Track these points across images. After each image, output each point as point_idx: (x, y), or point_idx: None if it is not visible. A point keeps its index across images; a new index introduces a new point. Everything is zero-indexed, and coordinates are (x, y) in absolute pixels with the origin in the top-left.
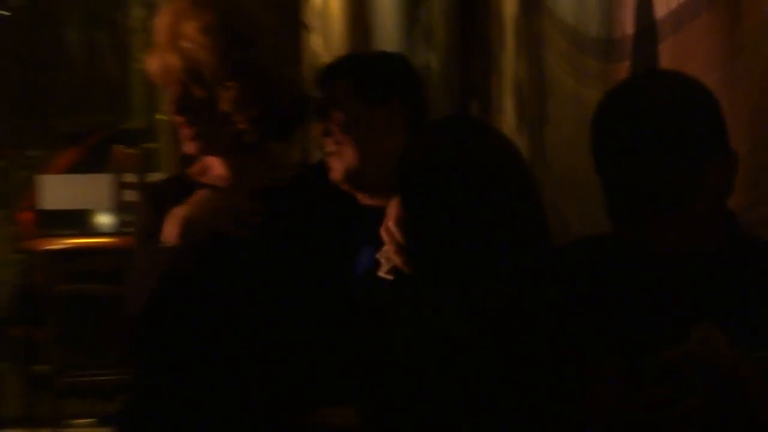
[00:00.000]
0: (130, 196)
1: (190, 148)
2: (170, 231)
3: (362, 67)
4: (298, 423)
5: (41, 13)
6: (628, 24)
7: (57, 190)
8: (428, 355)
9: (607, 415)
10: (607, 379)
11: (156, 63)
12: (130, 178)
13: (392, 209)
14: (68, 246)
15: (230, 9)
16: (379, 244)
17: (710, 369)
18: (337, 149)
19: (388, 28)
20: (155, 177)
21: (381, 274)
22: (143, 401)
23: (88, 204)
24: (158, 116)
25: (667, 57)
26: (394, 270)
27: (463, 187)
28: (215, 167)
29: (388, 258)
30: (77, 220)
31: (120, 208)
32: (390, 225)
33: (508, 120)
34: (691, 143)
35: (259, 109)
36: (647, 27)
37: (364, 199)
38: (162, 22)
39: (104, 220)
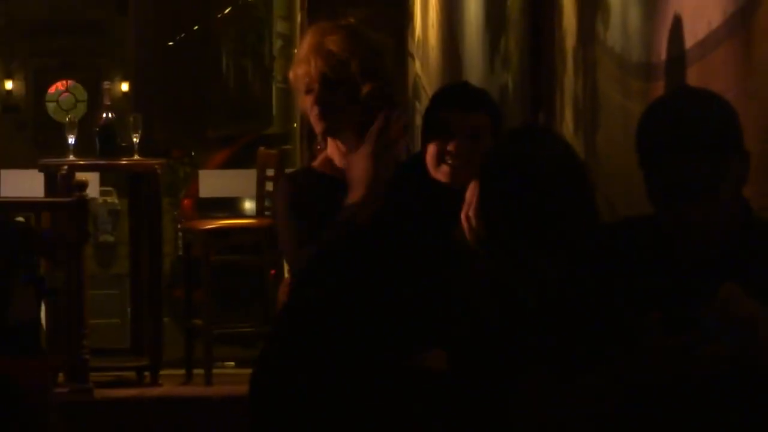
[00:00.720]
0: (270, 186)
1: (320, 128)
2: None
3: (494, 104)
4: (399, 364)
5: (201, 44)
6: (663, 52)
7: (213, 182)
8: (499, 313)
9: (650, 358)
10: (650, 329)
11: (302, 69)
12: (270, 173)
13: (470, 196)
14: (221, 226)
15: (361, 29)
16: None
17: (733, 318)
18: (462, 164)
19: (474, 55)
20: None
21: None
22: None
23: (236, 193)
24: (294, 125)
25: (694, 78)
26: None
27: (532, 183)
28: (335, 159)
29: (463, 237)
30: (228, 206)
31: (262, 196)
32: (470, 213)
33: (568, 128)
34: (717, 145)
35: (372, 102)
36: (679, 54)
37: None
38: (308, 38)
39: (249, 205)
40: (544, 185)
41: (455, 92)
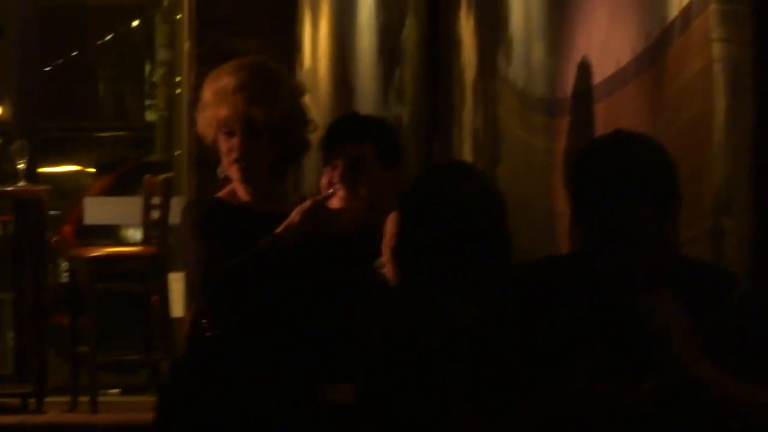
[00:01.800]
0: (156, 215)
1: (237, 175)
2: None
3: (383, 133)
4: (303, 397)
5: (79, 70)
6: (568, 87)
7: (97, 209)
8: (408, 348)
9: (574, 404)
10: (574, 375)
11: (223, 111)
12: (156, 200)
13: (390, 228)
14: (105, 253)
15: (280, 72)
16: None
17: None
18: (346, 192)
19: (366, 87)
20: (176, 200)
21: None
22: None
23: (121, 220)
24: (176, 152)
25: (601, 115)
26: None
27: (450, 218)
28: (239, 192)
29: (380, 267)
30: (108, 233)
31: (147, 224)
32: (389, 245)
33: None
34: (655, 192)
35: (290, 147)
36: (585, 90)
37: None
38: (224, 77)
39: (130, 233)
40: (463, 221)
41: (340, 124)
